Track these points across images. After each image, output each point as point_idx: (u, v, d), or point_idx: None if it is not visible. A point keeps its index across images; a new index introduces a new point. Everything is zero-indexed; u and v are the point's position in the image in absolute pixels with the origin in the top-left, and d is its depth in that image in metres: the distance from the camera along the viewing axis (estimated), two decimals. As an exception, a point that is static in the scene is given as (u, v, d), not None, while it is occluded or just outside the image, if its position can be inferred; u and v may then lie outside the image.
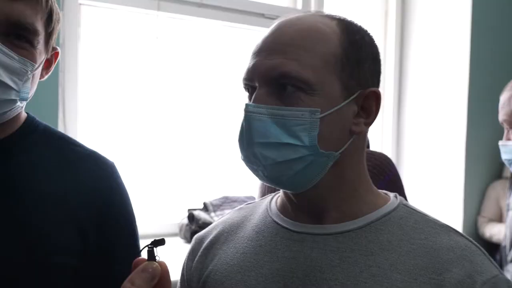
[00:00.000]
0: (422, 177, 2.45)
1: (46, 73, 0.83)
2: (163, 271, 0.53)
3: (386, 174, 1.18)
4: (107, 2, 1.77)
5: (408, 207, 0.65)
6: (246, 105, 0.61)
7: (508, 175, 2.40)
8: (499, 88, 2.54)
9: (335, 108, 0.60)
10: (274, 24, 0.64)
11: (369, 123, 0.64)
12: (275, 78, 0.59)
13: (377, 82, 0.65)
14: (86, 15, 1.78)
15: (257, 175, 0.63)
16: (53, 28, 0.77)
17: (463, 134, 2.27)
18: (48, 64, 0.82)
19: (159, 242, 0.52)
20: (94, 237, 0.78)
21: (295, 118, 0.58)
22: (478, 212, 2.33)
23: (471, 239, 0.62)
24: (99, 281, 0.79)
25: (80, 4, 1.74)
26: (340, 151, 0.61)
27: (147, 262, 0.52)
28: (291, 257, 0.62)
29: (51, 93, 1.61)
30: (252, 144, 0.59)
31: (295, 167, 0.59)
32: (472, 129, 2.36)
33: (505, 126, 1.70)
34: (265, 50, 0.61)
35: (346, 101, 0.61)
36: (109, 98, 1.86)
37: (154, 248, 0.52)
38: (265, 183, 0.65)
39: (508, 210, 1.90)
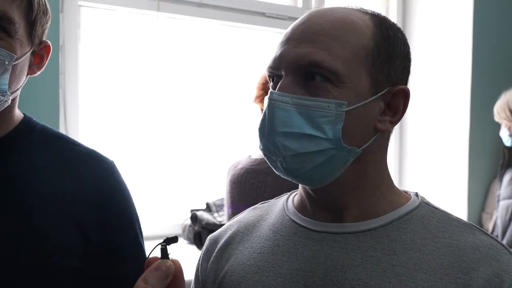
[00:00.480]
0: (426, 174, 2.44)
1: (38, 68, 0.80)
2: (177, 269, 0.51)
3: None
4: (107, 3, 1.77)
5: (430, 205, 0.64)
6: (271, 93, 0.58)
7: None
8: (502, 84, 2.53)
9: (362, 103, 0.58)
10: (305, 14, 0.62)
11: (394, 122, 0.62)
12: (303, 66, 0.58)
13: (406, 81, 0.64)
14: (86, 17, 1.77)
15: (275, 167, 0.61)
16: (35, 18, 0.75)
17: (466, 130, 2.26)
18: (39, 59, 0.79)
19: (172, 239, 0.51)
20: (96, 237, 0.77)
21: (320, 110, 0.56)
22: (482, 208, 2.32)
23: (496, 238, 0.61)
24: (102, 281, 0.78)
25: (80, 5, 1.74)
26: (363, 147, 0.60)
27: (160, 260, 0.51)
28: (311, 257, 0.61)
29: (51, 95, 1.60)
30: (274, 133, 0.57)
31: (315, 160, 0.57)
32: (475, 125, 2.35)
33: None
34: (294, 39, 0.59)
35: (374, 97, 0.59)
36: (110, 99, 1.86)
37: (167, 246, 0.51)
38: (284, 176, 0.63)
39: (498, 201, 1.92)
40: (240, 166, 1.36)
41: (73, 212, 0.75)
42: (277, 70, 0.60)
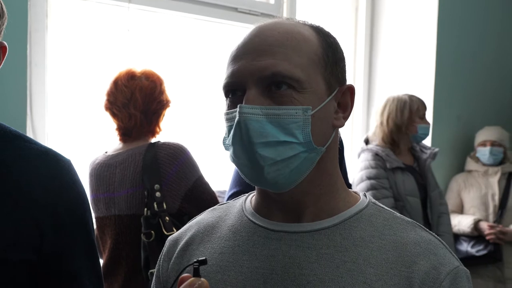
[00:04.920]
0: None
1: None
2: (206, 287, 0.57)
3: (178, 159, 1.43)
4: (76, -7, 1.73)
5: (376, 205, 0.70)
6: (240, 106, 0.60)
7: (470, 168, 2.51)
8: (463, 84, 2.65)
9: (322, 105, 0.63)
10: (252, 29, 0.66)
11: (346, 117, 0.67)
12: (267, 78, 0.61)
13: (346, 79, 0.70)
14: (54, 6, 1.73)
15: (253, 179, 0.64)
16: None
17: (429, 127, 2.34)
18: None
19: (203, 261, 0.58)
20: (50, 234, 0.79)
21: (289, 117, 0.60)
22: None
23: (433, 233, 0.67)
24: (54, 276, 0.81)
25: (48, -6, 1.69)
26: (326, 145, 0.64)
27: (193, 278, 0.57)
28: (270, 255, 0.64)
29: (19, 86, 1.56)
30: (252, 145, 0.60)
31: (291, 164, 0.61)
32: (437, 123, 2.45)
33: None
34: (251, 53, 0.62)
35: (329, 98, 0.64)
36: (79, 92, 1.82)
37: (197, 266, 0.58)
38: (260, 186, 0.66)
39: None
40: (97, 161, 1.53)
41: (28, 209, 0.77)
42: (237, 84, 0.63)
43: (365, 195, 0.71)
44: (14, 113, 1.53)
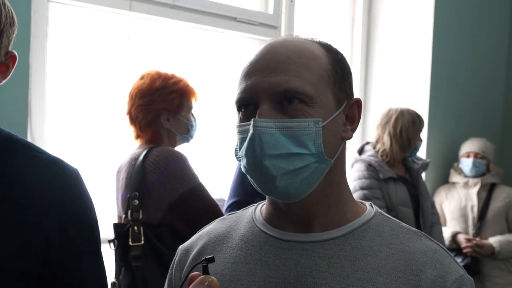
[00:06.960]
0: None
1: (3, 77, 0.81)
2: (216, 285, 0.58)
3: (166, 166, 1.37)
4: (77, 0, 1.75)
5: (383, 215, 0.72)
6: (254, 120, 0.63)
7: (452, 179, 2.52)
8: (457, 97, 2.68)
9: (332, 117, 0.66)
10: (264, 46, 0.68)
11: (354, 129, 0.71)
12: (281, 93, 0.64)
13: (353, 92, 0.73)
14: (55, 13, 1.74)
15: (265, 189, 0.66)
16: (2, 31, 0.77)
17: (423, 138, 2.37)
18: (5, 69, 0.81)
19: (211, 259, 0.59)
20: (57, 244, 0.79)
21: (301, 129, 0.63)
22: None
23: (438, 243, 0.70)
24: (61, 286, 0.81)
25: (49, 1, 1.71)
26: (335, 157, 0.67)
27: (203, 276, 0.58)
28: (282, 264, 0.66)
29: (20, 94, 1.55)
30: (265, 157, 0.62)
31: (302, 174, 0.64)
32: (431, 135, 2.48)
33: None
34: (263, 69, 0.65)
35: (338, 111, 0.67)
36: (79, 99, 1.82)
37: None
38: (271, 196, 0.68)
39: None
40: (122, 160, 1.57)
41: (35, 219, 0.77)
42: (250, 99, 0.66)
43: (371, 205, 0.73)
44: (15, 119, 1.54)
